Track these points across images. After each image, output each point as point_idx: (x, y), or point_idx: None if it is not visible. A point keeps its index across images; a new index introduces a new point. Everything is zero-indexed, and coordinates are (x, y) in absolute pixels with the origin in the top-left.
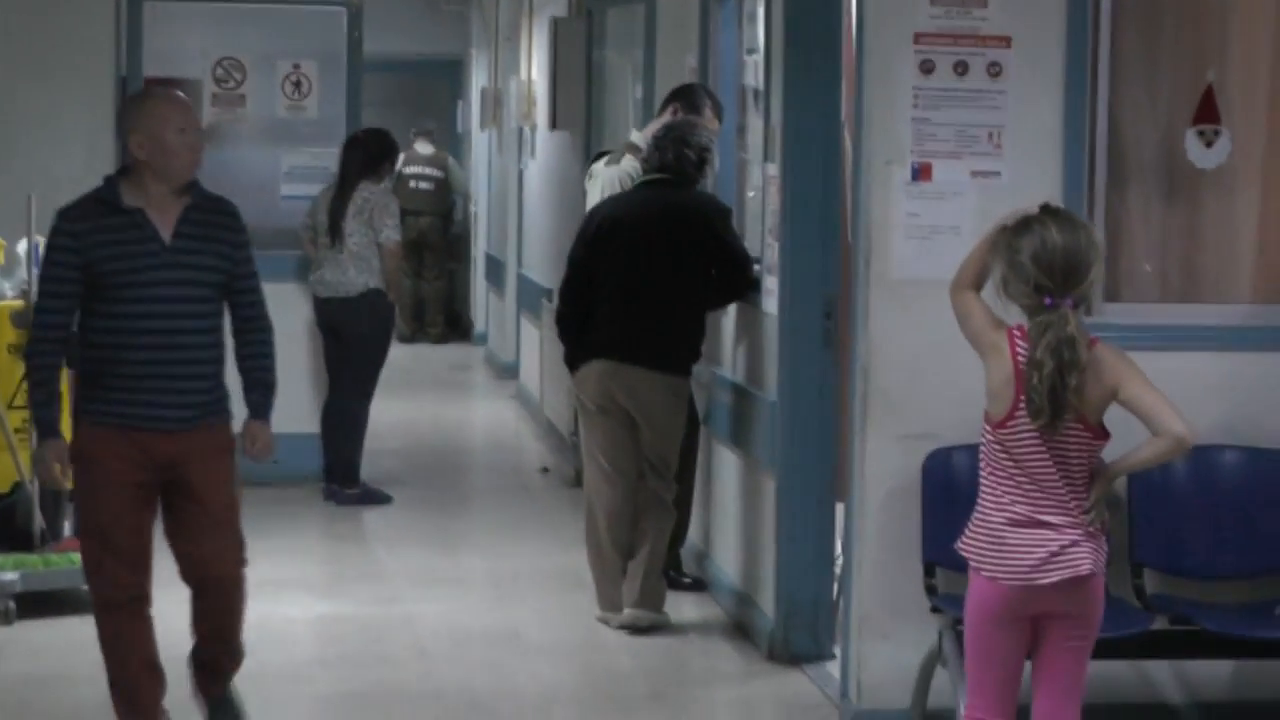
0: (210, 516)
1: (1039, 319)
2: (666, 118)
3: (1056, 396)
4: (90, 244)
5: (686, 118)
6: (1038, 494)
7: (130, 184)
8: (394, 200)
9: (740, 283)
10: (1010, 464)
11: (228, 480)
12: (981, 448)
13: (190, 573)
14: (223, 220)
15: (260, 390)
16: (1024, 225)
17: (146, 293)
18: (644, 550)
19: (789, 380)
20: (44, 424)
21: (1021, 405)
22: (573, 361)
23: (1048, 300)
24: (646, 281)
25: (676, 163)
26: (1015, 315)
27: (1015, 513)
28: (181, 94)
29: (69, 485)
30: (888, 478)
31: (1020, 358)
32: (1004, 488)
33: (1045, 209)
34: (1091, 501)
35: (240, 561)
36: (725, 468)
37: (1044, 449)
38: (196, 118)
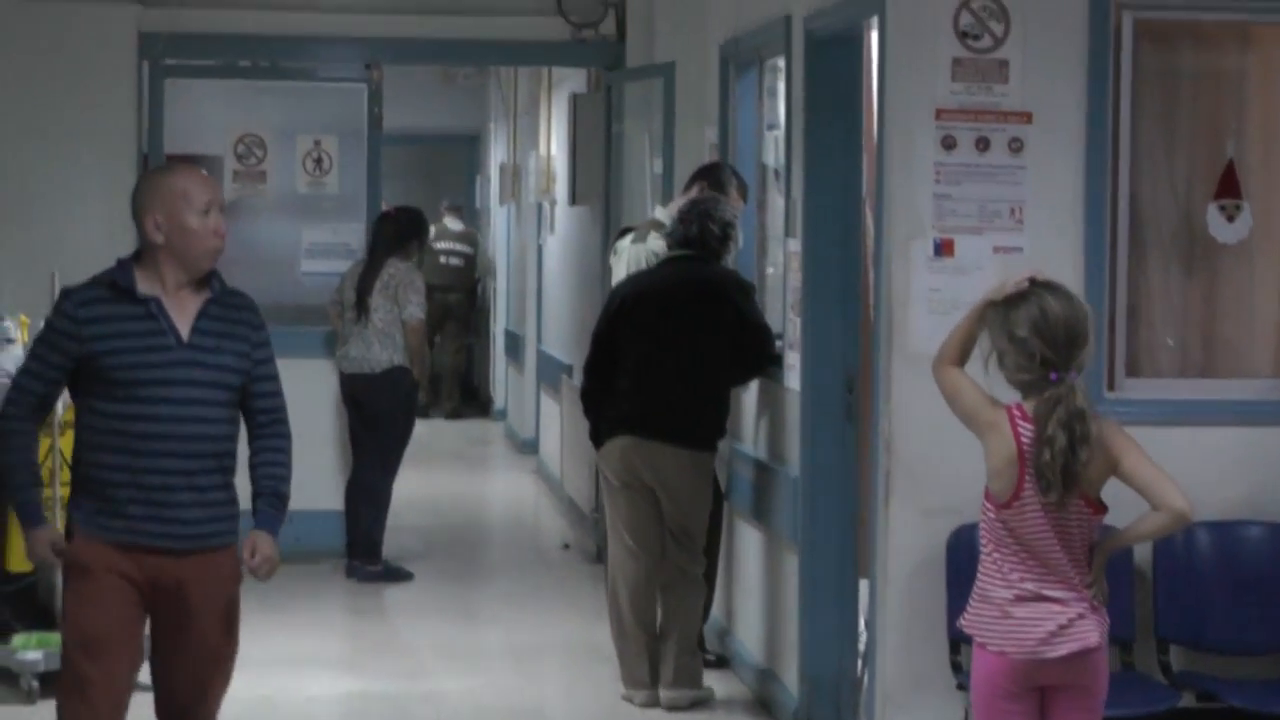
0: (208, 651)
1: (1048, 394)
2: (693, 194)
3: (1069, 472)
4: (95, 333)
5: (711, 194)
6: (1043, 570)
7: (144, 270)
8: (419, 277)
9: (763, 358)
10: (1015, 542)
11: (232, 613)
12: (982, 524)
13: (168, 707)
14: (243, 316)
15: (272, 501)
16: (1018, 299)
17: (158, 393)
18: (675, 628)
19: (811, 455)
20: (28, 509)
21: (1027, 485)
22: (597, 436)
23: (1054, 375)
24: (669, 356)
25: (700, 238)
26: (1001, 391)
27: (1022, 589)
28: (203, 170)
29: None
30: (911, 552)
31: (1024, 438)
32: (1009, 564)
33: (1035, 281)
34: (1093, 576)
35: (219, 702)
36: (747, 543)
37: (1049, 526)
38: (221, 196)
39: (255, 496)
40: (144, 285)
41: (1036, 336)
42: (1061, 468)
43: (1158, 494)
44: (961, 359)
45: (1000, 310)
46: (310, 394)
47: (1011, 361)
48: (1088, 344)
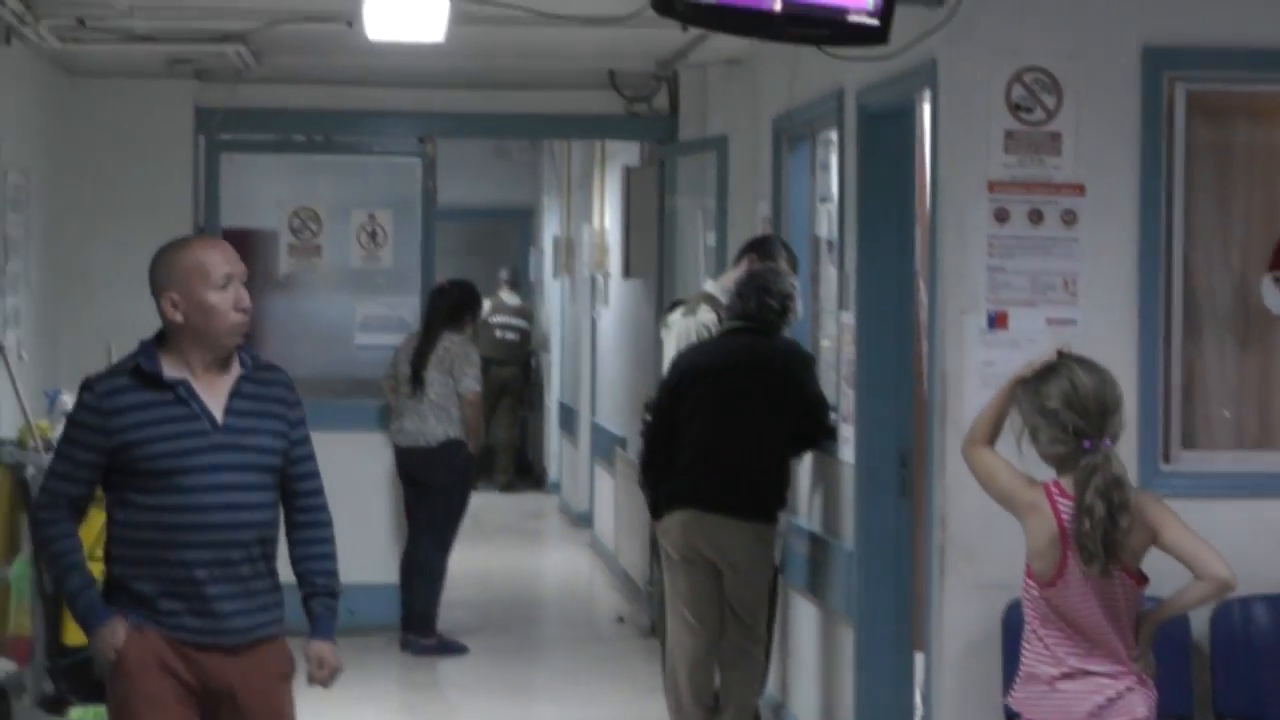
0: None
1: (1084, 463)
2: (743, 268)
3: (1110, 540)
4: (124, 424)
5: (768, 265)
6: (1089, 645)
7: (169, 352)
8: (474, 350)
9: (821, 431)
10: (1060, 619)
11: (286, 709)
12: (1025, 602)
13: None
14: (278, 392)
15: (327, 602)
16: (1048, 373)
17: (196, 481)
18: (732, 703)
19: (865, 529)
20: (91, 611)
21: (1070, 562)
22: (656, 509)
23: (1087, 444)
24: (732, 429)
25: (759, 311)
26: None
27: (1069, 665)
28: (220, 239)
29: None
30: (966, 627)
31: (1064, 515)
32: (1054, 640)
33: (1063, 354)
34: (1140, 648)
35: None
36: (803, 616)
37: (1095, 600)
38: (241, 266)
39: (308, 596)
40: (170, 368)
41: (1068, 408)
42: (1103, 536)
43: (1200, 563)
44: (992, 438)
45: (1031, 386)
46: (365, 467)
47: (1045, 436)
48: (1118, 412)
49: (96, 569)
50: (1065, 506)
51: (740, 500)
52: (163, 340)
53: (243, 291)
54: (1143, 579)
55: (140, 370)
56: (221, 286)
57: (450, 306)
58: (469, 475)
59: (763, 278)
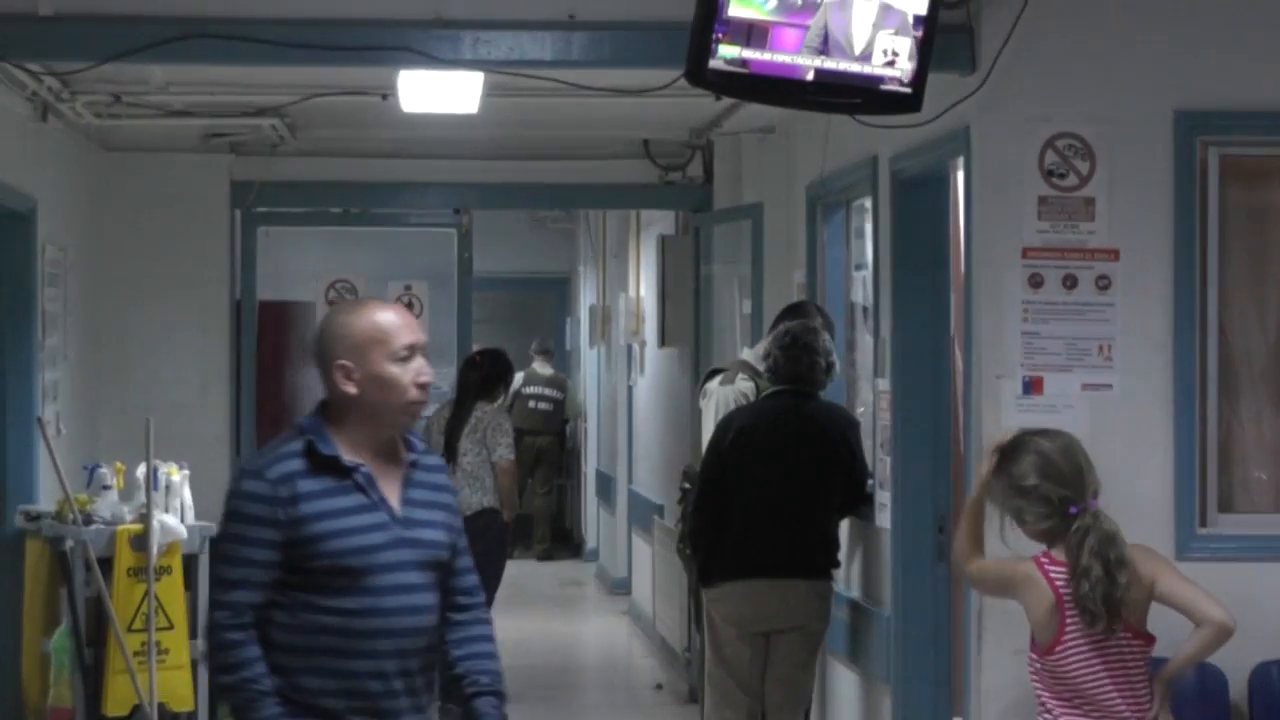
0: None
1: (1076, 527)
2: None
3: (1111, 598)
4: (303, 514)
5: (802, 322)
6: (1098, 713)
7: (336, 430)
8: (508, 419)
9: (863, 495)
10: (1065, 689)
11: None
12: (1032, 676)
13: None
14: (441, 480)
15: (492, 700)
16: (1012, 454)
17: (383, 581)
18: None
19: (903, 594)
20: None
21: (1069, 627)
22: (708, 577)
23: (1073, 509)
24: (788, 492)
25: (810, 372)
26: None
27: None
28: (398, 304)
29: None
30: (1004, 691)
31: (1058, 582)
32: (1061, 709)
33: (1022, 431)
34: (1154, 710)
35: None
36: (842, 682)
37: (1099, 664)
38: (423, 335)
39: (473, 696)
40: (343, 450)
41: (1046, 480)
42: (1102, 596)
43: (1196, 610)
44: (978, 549)
45: (1001, 472)
46: None
47: (1031, 515)
48: (1092, 469)
49: (134, 640)
50: (1058, 573)
51: (801, 560)
52: (328, 416)
53: (425, 364)
54: (1148, 638)
55: (314, 452)
56: (403, 359)
57: (483, 377)
58: (504, 544)
59: (805, 337)
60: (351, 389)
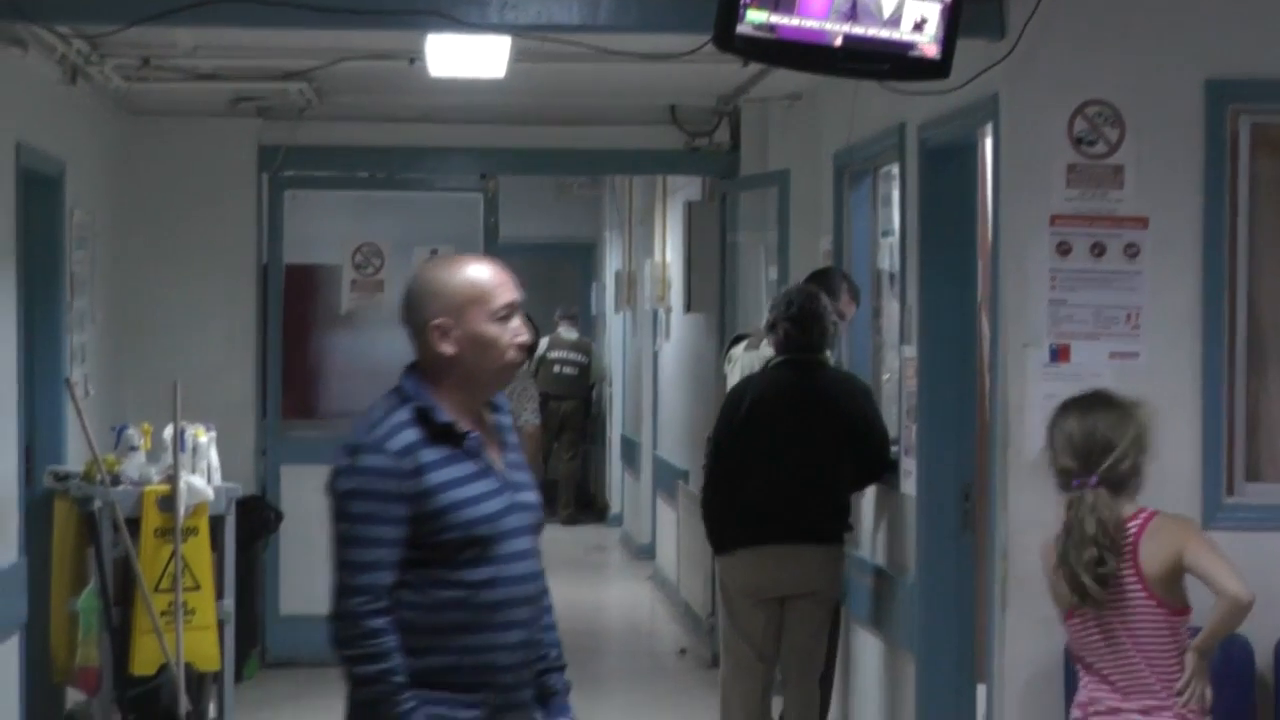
0: None
1: (1068, 498)
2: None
3: (1074, 579)
4: (429, 486)
5: (801, 287)
6: (1122, 680)
7: (434, 394)
8: (533, 385)
9: (885, 462)
10: (1087, 655)
11: None
12: (1067, 643)
13: None
14: (516, 439)
15: (560, 675)
16: (1057, 411)
17: (508, 548)
18: None
19: (928, 562)
20: None
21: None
22: (721, 545)
23: (1075, 483)
24: (801, 462)
25: (821, 339)
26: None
27: (1103, 705)
28: (496, 260)
29: None
30: (1028, 660)
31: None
32: (1088, 679)
33: (1080, 395)
34: (1183, 683)
35: None
36: (865, 649)
37: (1118, 632)
38: (520, 293)
39: (543, 672)
40: (450, 412)
41: (1057, 448)
42: (1067, 576)
43: (1214, 583)
44: None
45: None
46: None
47: (1056, 481)
48: (1110, 455)
49: (160, 600)
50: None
51: (813, 526)
52: (425, 377)
53: (522, 325)
54: (1175, 607)
55: (429, 419)
56: (503, 318)
57: None
58: None
59: (810, 304)
60: (449, 349)
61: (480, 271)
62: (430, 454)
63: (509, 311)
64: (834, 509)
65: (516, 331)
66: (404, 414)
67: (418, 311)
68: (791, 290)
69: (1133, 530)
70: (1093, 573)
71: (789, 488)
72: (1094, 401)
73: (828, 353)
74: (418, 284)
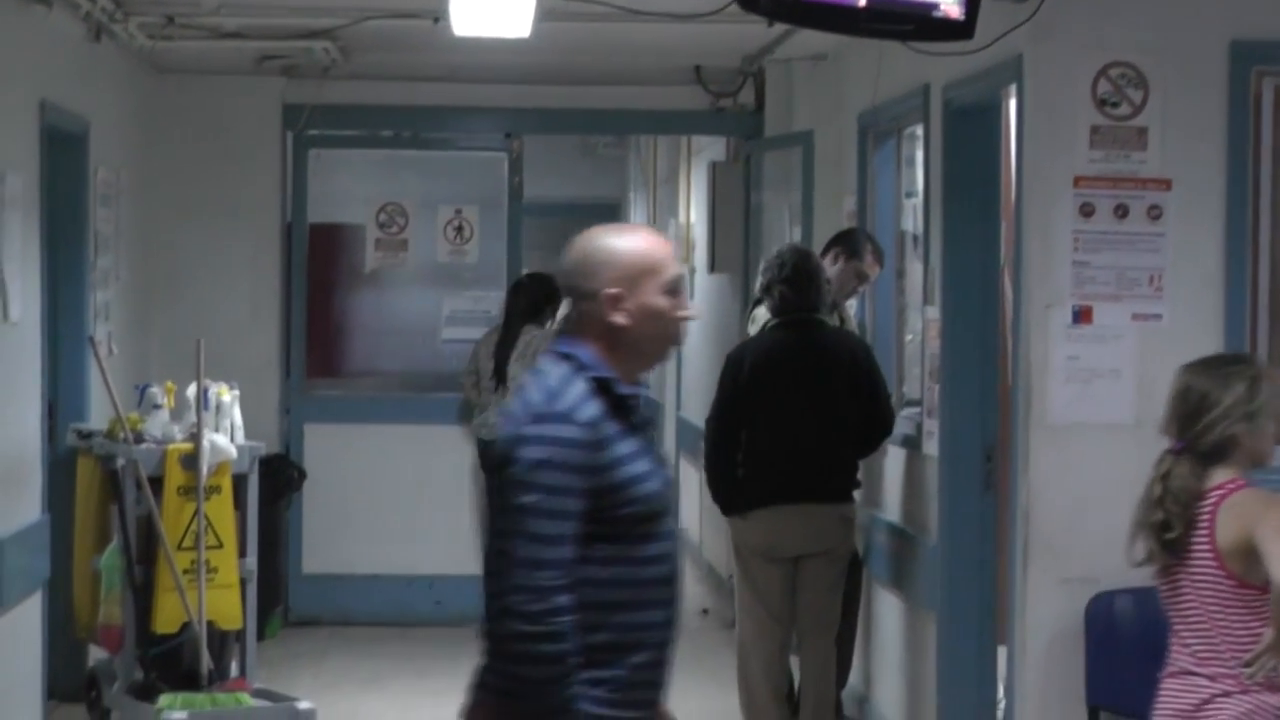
0: None
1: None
2: (828, 264)
3: (1149, 534)
4: (611, 459)
5: (793, 247)
6: (1196, 643)
7: (603, 363)
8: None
9: (889, 419)
10: (1171, 616)
11: None
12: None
13: None
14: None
15: None
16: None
17: (666, 526)
18: (812, 701)
19: (949, 523)
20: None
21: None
22: (730, 506)
23: (1172, 443)
24: (808, 422)
25: (817, 298)
26: None
27: (1177, 665)
28: (656, 230)
29: None
30: (1049, 621)
31: None
32: (1172, 638)
33: (1215, 355)
34: (1252, 654)
35: None
36: (886, 609)
37: (1191, 599)
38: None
39: None
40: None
41: (1167, 407)
42: (1146, 528)
43: (1269, 565)
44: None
45: None
46: (450, 460)
47: None
48: (1200, 421)
49: (183, 558)
50: None
51: (821, 485)
52: (579, 342)
53: (686, 297)
54: (1250, 582)
55: (608, 390)
56: (672, 291)
57: (530, 301)
58: None
59: (804, 264)
60: (622, 320)
61: (652, 242)
62: (611, 426)
63: (677, 284)
64: (841, 467)
65: (684, 305)
66: (582, 384)
67: (589, 280)
68: (784, 251)
69: (1211, 500)
70: (1158, 537)
71: (795, 448)
72: (1211, 362)
73: (848, 312)
74: (589, 252)
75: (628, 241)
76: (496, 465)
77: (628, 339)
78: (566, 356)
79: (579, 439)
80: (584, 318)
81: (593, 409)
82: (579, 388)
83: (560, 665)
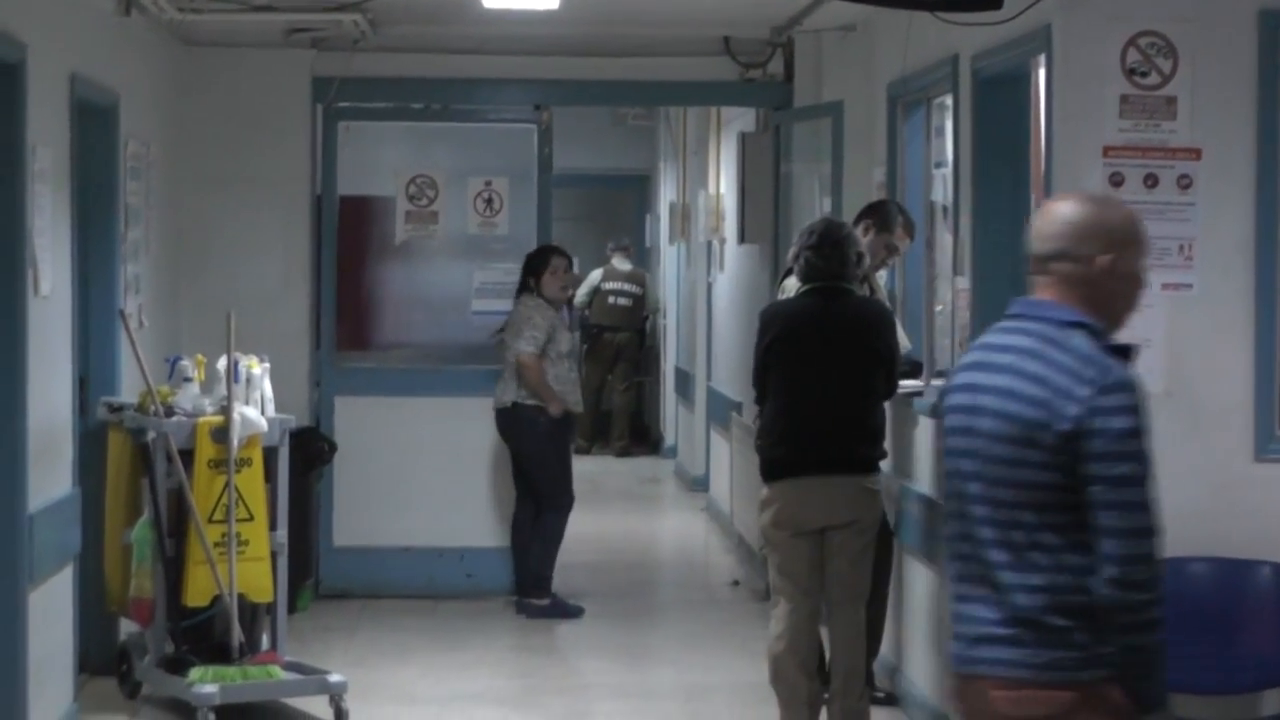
0: None
1: None
2: (859, 234)
3: None
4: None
5: (827, 219)
6: None
7: None
8: (538, 313)
9: (895, 386)
10: None
11: None
12: None
13: None
14: None
15: None
16: None
17: None
18: (842, 673)
19: None
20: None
21: None
22: (764, 474)
23: None
24: (831, 390)
25: (842, 268)
26: None
27: None
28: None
29: None
30: None
31: None
32: None
33: None
34: None
35: None
36: (917, 580)
37: None
38: None
39: None
40: None
41: None
42: None
43: None
44: None
45: None
46: (480, 432)
47: None
48: None
49: (214, 531)
50: None
51: (846, 455)
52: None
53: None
54: None
55: (1126, 356)
56: (1145, 265)
57: (521, 271)
58: (539, 435)
59: (833, 233)
60: (1114, 286)
61: (1134, 213)
62: None
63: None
64: (866, 437)
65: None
66: (1088, 341)
67: (1088, 245)
68: (815, 221)
69: None
70: None
71: (819, 417)
72: None
73: (878, 282)
74: (1081, 218)
75: (1120, 212)
76: (1066, 440)
77: (1110, 304)
78: (1076, 324)
79: (1142, 404)
80: (1077, 284)
81: (1132, 373)
82: (1107, 353)
83: (1160, 632)
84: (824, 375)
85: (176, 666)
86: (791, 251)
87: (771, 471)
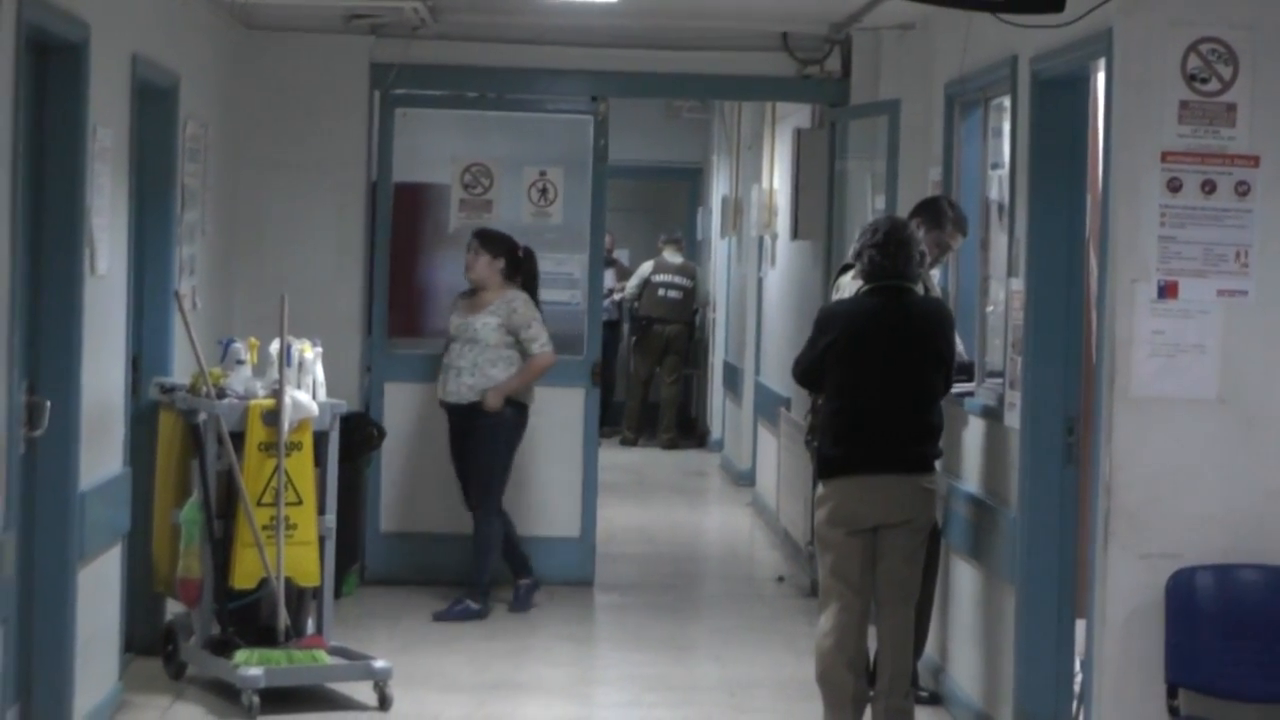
0: None
1: None
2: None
3: None
4: None
5: (890, 217)
6: None
7: None
8: (529, 306)
9: (952, 385)
10: None
11: None
12: None
13: None
14: None
15: None
16: None
17: None
18: (889, 672)
19: (1030, 495)
20: None
21: None
22: (819, 472)
23: None
24: (893, 388)
25: (906, 266)
26: None
27: None
28: None
29: None
30: (1129, 596)
31: None
32: None
33: None
34: None
35: None
36: (963, 580)
37: None
38: None
39: None
40: None
41: None
42: None
43: None
44: None
45: None
46: (530, 420)
47: None
48: None
49: (262, 514)
50: None
51: (903, 455)
52: None
53: None
54: None
55: None
56: None
57: (505, 261)
58: (510, 442)
59: (897, 232)
60: None
61: None
62: None
63: None
64: (927, 436)
65: None
66: None
67: None
68: (879, 219)
69: None
70: None
71: (882, 417)
72: None
73: (931, 281)
74: None
75: None
76: None
77: None
78: None
79: None
80: None
81: None
82: None
83: None
84: (887, 375)
85: (222, 648)
86: (853, 249)
87: (828, 469)
